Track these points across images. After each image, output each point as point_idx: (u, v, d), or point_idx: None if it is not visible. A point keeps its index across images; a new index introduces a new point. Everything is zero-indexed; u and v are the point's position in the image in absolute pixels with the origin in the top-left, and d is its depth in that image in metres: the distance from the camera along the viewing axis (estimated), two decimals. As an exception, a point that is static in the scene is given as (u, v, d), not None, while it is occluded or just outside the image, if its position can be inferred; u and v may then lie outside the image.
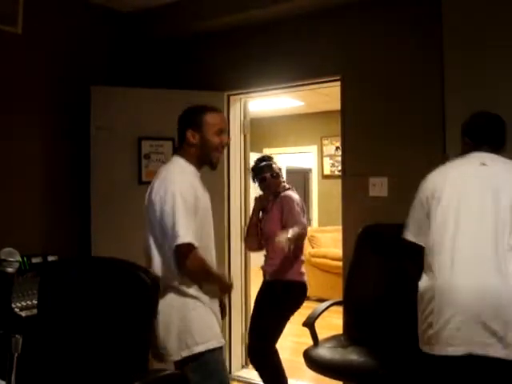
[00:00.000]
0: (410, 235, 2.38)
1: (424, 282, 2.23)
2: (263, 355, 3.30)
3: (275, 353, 3.30)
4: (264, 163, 3.48)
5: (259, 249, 3.55)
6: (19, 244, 2.03)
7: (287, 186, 3.48)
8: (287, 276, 3.30)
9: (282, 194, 3.39)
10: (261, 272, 3.48)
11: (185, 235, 2.10)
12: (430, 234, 2.24)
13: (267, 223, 3.40)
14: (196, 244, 2.12)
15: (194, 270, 2.18)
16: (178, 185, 2.18)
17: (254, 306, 3.42)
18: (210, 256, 2.34)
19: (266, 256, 3.47)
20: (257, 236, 3.49)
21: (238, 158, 4.26)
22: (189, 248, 2.12)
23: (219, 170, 3.92)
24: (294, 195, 3.40)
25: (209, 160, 2.38)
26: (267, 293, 3.37)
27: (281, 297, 3.28)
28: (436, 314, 2.12)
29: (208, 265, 2.25)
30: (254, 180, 3.60)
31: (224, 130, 2.40)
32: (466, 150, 2.39)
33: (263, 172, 3.45)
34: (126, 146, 3.85)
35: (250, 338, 3.41)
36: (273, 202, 3.41)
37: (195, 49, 4.27)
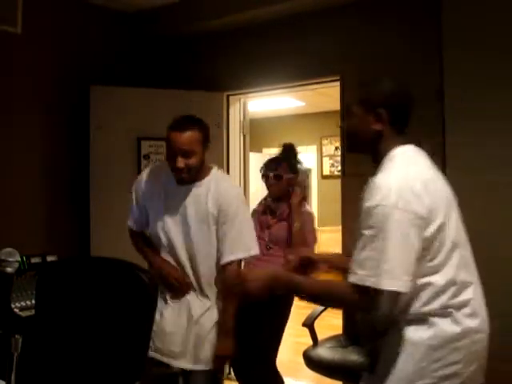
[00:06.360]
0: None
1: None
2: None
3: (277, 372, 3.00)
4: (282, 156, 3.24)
5: None
6: (18, 244, 2.03)
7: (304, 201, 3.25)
8: None
9: (306, 210, 3.24)
10: None
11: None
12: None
13: (280, 230, 3.12)
14: (130, 225, 2.51)
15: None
16: None
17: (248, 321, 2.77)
18: (163, 237, 2.36)
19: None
20: None
21: (238, 159, 4.26)
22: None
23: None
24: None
25: None
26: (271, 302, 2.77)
27: (283, 303, 2.97)
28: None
29: (137, 245, 2.50)
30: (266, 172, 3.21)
31: (176, 152, 2.34)
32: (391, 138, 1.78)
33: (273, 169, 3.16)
34: (126, 146, 3.84)
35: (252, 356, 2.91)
36: (288, 212, 3.13)
37: (195, 49, 4.27)
